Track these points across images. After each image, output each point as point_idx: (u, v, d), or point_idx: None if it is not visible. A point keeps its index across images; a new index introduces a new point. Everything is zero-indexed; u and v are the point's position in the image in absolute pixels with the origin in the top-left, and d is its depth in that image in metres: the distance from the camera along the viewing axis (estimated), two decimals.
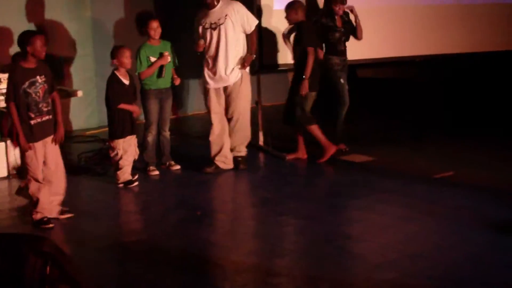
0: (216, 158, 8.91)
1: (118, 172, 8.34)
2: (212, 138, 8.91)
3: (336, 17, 9.48)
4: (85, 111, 11.73)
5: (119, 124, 8.29)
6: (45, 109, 7.02)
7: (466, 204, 7.31)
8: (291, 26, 9.35)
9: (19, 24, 10.07)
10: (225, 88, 8.86)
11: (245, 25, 8.78)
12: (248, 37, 8.85)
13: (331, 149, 9.15)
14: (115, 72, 8.28)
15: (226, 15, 8.70)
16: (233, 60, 8.78)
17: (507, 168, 8.63)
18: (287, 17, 9.06)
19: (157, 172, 8.79)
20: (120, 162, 8.32)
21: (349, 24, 9.60)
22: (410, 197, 7.68)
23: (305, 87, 8.92)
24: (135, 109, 8.38)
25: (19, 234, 5.46)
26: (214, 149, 8.91)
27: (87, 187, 8.51)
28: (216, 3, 8.74)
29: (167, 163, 9.01)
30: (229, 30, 8.71)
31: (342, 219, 7.19)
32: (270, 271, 5.83)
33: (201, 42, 8.72)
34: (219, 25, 8.71)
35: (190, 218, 7.25)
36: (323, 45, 9.49)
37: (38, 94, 6.93)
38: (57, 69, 11.24)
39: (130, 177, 8.37)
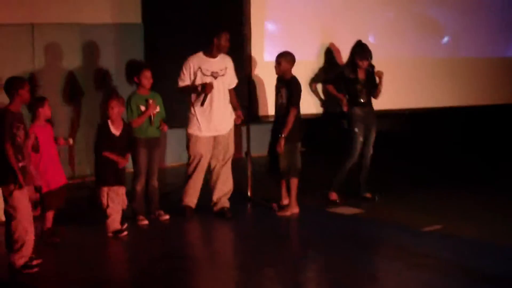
0: (194, 201, 9.16)
1: (107, 221, 8.34)
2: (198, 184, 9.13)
3: (358, 70, 9.66)
4: (76, 159, 11.75)
5: (102, 172, 8.37)
6: (25, 155, 7.23)
7: (453, 258, 7.34)
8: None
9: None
10: (216, 138, 9.01)
11: (233, 80, 9.11)
12: (231, 92, 9.11)
13: (295, 210, 9.24)
14: (108, 120, 8.34)
15: (226, 68, 8.96)
16: (228, 111, 9.05)
17: (496, 220, 8.67)
18: (280, 67, 9.14)
19: (146, 222, 8.81)
20: (108, 210, 8.34)
21: (372, 78, 9.76)
22: (397, 250, 7.72)
23: (280, 145, 9.02)
24: (119, 159, 8.41)
25: None
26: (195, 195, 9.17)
27: (76, 236, 8.48)
28: (217, 54, 8.92)
29: (157, 212, 9.01)
30: (226, 81, 8.99)
31: (327, 268, 7.22)
32: None
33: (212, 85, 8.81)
34: (220, 75, 8.91)
35: (178, 268, 7.26)
36: (346, 96, 9.75)
37: (20, 139, 7.13)
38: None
39: (119, 226, 8.37)
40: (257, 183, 10.06)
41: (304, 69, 9.90)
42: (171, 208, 9.16)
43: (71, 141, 8.49)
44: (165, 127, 8.91)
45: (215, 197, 9.18)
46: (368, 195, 9.86)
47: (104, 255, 7.91)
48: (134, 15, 12.25)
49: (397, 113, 10.54)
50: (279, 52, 9.24)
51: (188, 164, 9.14)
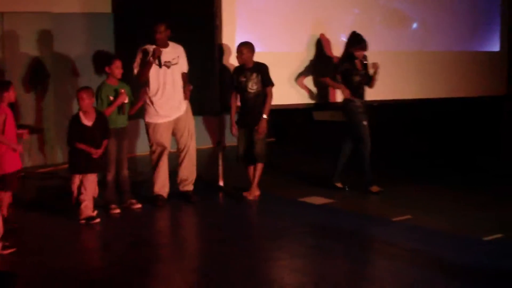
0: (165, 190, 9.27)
1: (80, 207, 8.36)
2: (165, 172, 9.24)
3: (355, 61, 9.75)
4: (47, 147, 11.73)
5: (75, 160, 8.39)
6: None
7: (421, 248, 7.42)
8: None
9: None
10: (175, 121, 9.23)
11: (184, 67, 9.30)
12: (183, 77, 9.27)
13: (257, 192, 9.48)
14: (79, 112, 8.35)
15: (178, 56, 9.20)
16: (181, 98, 9.26)
17: (465, 213, 8.78)
18: (243, 56, 9.22)
19: (118, 211, 8.83)
20: (81, 197, 8.37)
21: (366, 69, 9.85)
22: (366, 239, 7.82)
23: (264, 127, 9.24)
24: (91, 150, 8.41)
25: None
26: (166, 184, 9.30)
27: (49, 224, 8.48)
28: (167, 44, 9.18)
29: (128, 201, 9.03)
30: (180, 69, 9.24)
31: (300, 258, 7.24)
32: None
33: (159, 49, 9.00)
34: (173, 64, 9.15)
35: (149, 256, 7.32)
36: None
37: None
38: (19, 104, 11.33)
39: (91, 213, 8.40)
40: (228, 173, 10.10)
41: (283, 61, 10.03)
42: (143, 197, 9.22)
43: (26, 134, 8.44)
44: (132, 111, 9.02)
45: (179, 178, 9.43)
46: (339, 184, 9.93)
47: (75, 243, 7.88)
48: (104, 5, 12.26)
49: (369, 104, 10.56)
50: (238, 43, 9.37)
51: (151, 153, 9.30)
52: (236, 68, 9.46)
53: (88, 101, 8.38)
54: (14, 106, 8.33)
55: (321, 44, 10.43)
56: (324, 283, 6.47)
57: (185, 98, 9.27)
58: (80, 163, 8.37)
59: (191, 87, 9.29)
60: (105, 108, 8.72)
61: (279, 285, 6.49)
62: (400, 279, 6.56)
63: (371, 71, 9.87)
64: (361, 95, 9.83)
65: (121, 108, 8.81)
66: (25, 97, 11.48)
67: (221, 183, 10.01)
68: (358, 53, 9.73)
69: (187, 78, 9.34)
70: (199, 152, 9.66)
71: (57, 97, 11.66)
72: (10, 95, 7.96)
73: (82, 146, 8.33)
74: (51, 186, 10.10)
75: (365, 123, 9.74)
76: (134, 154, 11.73)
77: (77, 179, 8.38)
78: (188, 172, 9.40)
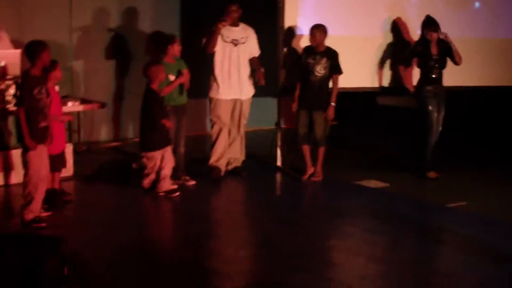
0: (221, 162, 9.47)
1: (161, 182, 8.60)
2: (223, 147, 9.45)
3: (431, 44, 9.67)
4: (110, 124, 11.97)
5: (159, 137, 8.57)
6: (47, 115, 7.52)
7: (474, 234, 7.42)
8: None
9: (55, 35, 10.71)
10: (234, 102, 9.42)
11: (254, 50, 9.48)
12: (255, 62, 9.48)
13: (320, 177, 9.52)
14: (151, 86, 8.49)
15: (247, 37, 9.41)
16: (248, 78, 9.48)
17: None
18: (315, 38, 9.25)
19: (175, 186, 8.95)
20: (162, 172, 8.61)
21: (446, 52, 9.69)
22: (419, 224, 7.84)
23: (331, 114, 9.31)
24: (171, 124, 8.66)
25: (40, 235, 5.70)
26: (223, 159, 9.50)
27: (107, 197, 8.71)
28: (238, 24, 9.38)
29: (182, 178, 9.18)
30: (247, 50, 9.44)
31: (350, 239, 7.32)
32: (280, 286, 6.01)
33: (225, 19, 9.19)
34: (241, 43, 9.35)
35: (205, 231, 7.50)
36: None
37: (44, 100, 7.43)
38: (83, 80, 11.55)
39: (173, 187, 8.69)
40: (286, 154, 10.18)
41: (345, 44, 10.00)
42: (199, 174, 9.37)
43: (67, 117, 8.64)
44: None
45: (227, 159, 9.62)
46: (432, 174, 9.78)
47: (131, 217, 8.05)
48: None
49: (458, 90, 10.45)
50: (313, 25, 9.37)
51: (211, 127, 9.53)
52: (306, 48, 9.48)
53: (163, 75, 8.59)
54: None
55: (395, 28, 10.37)
56: (372, 263, 6.56)
57: (259, 82, 9.39)
58: (164, 138, 8.60)
59: (263, 69, 9.42)
60: (165, 87, 8.85)
61: (330, 264, 6.62)
62: (450, 264, 6.61)
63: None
64: (433, 80, 9.70)
65: (182, 87, 8.95)
66: (93, 73, 11.71)
67: (278, 164, 10.07)
68: (430, 36, 9.66)
69: (259, 62, 9.48)
70: (256, 133, 9.75)
71: (125, 74, 11.84)
72: (56, 75, 8.14)
73: (165, 121, 8.53)
74: (116, 160, 10.35)
75: (430, 108, 9.69)
76: (196, 133, 11.83)
77: (160, 154, 8.58)
78: (237, 153, 9.63)
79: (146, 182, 8.65)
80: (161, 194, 8.61)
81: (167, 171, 8.63)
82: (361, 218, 8.00)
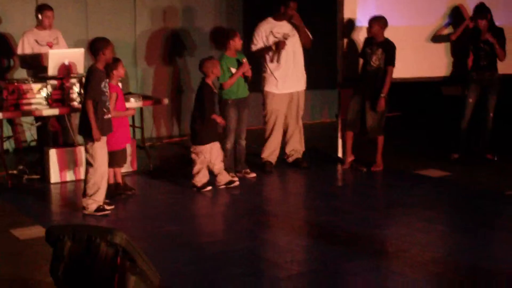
0: (273, 157, 9.62)
1: (219, 176, 8.77)
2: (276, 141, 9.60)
3: (482, 32, 9.70)
4: (173, 120, 12.18)
5: (209, 131, 8.67)
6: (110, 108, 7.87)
7: None
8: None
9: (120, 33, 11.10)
10: (290, 95, 9.53)
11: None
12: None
13: (380, 167, 9.59)
14: (206, 81, 8.63)
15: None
16: (302, 70, 9.61)
17: None
18: (372, 30, 9.33)
19: (236, 179, 9.09)
20: (216, 167, 8.74)
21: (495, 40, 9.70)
22: (478, 212, 7.83)
23: (382, 105, 9.27)
24: (222, 121, 8.79)
25: (94, 226, 5.87)
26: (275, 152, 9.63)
27: (168, 191, 8.87)
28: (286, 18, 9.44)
29: (243, 170, 9.31)
30: (299, 42, 9.49)
31: (405, 228, 7.34)
32: (334, 274, 6.10)
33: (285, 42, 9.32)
34: (291, 36, 9.40)
35: (262, 222, 7.62)
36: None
37: (107, 93, 7.77)
38: (146, 78, 11.78)
39: (230, 178, 8.86)
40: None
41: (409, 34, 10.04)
42: (257, 166, 9.50)
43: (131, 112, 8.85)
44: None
45: (288, 150, 9.80)
46: (489, 156, 9.94)
47: (192, 209, 8.28)
48: None
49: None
50: (370, 16, 9.43)
51: (266, 122, 9.61)
52: (366, 39, 9.58)
53: (218, 70, 8.72)
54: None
55: (457, 15, 10.32)
56: (427, 251, 6.58)
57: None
58: (214, 132, 8.72)
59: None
60: (227, 80, 8.99)
61: (384, 252, 6.68)
62: (508, 250, 6.60)
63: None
64: (481, 67, 9.74)
65: (246, 78, 9.09)
66: (155, 70, 11.94)
67: (340, 155, 10.12)
68: (479, 24, 9.65)
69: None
70: (315, 126, 9.81)
71: (186, 71, 12.02)
72: (119, 72, 8.36)
73: (216, 117, 8.66)
74: (175, 155, 10.55)
75: (466, 93, 9.80)
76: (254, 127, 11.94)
77: (208, 149, 8.67)
78: (296, 145, 9.74)
79: (198, 179, 8.69)
80: (221, 187, 8.75)
81: (219, 165, 8.75)
82: (419, 208, 7.99)
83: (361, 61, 9.63)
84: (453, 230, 7.33)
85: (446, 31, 10.11)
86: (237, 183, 8.84)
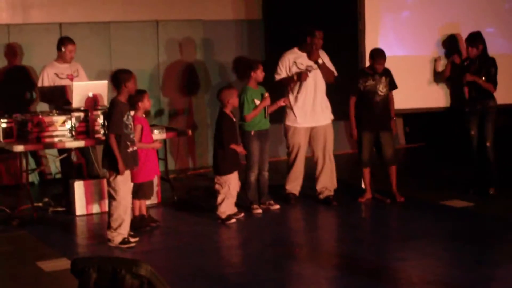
0: (296, 188, 9.54)
1: (223, 205, 8.67)
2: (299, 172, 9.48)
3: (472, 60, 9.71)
4: (197, 151, 12.22)
5: (231, 161, 8.69)
6: (134, 141, 7.88)
7: None
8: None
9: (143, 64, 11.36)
10: (313, 129, 9.42)
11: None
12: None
13: (401, 198, 9.52)
14: (224, 110, 8.66)
15: (321, 62, 9.35)
16: (326, 103, 9.50)
17: None
18: (383, 63, 9.35)
19: (260, 211, 9.10)
20: (228, 195, 8.68)
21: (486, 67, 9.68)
22: (503, 243, 7.79)
23: (395, 128, 9.53)
24: (242, 150, 8.81)
25: (119, 258, 5.86)
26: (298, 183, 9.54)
27: (193, 222, 8.88)
28: None
29: (267, 202, 9.29)
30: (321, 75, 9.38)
31: (430, 259, 7.29)
32: None
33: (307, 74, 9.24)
34: (315, 69, 9.32)
35: (287, 254, 7.62)
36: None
37: (131, 126, 7.79)
38: (169, 108, 11.84)
39: (235, 210, 8.80)
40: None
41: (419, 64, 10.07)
42: (280, 198, 9.47)
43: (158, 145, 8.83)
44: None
45: (318, 187, 9.54)
46: (491, 189, 9.71)
47: (217, 241, 8.29)
48: (255, 12, 12.61)
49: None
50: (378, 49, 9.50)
51: (288, 154, 9.54)
52: (361, 73, 9.56)
53: (237, 100, 8.76)
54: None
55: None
56: (450, 284, 6.55)
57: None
58: (234, 163, 8.71)
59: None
60: (250, 113, 9.02)
61: (408, 284, 6.62)
62: None
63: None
64: (473, 99, 9.70)
65: (265, 111, 9.10)
66: (178, 101, 12.02)
67: (363, 186, 10.08)
68: (469, 52, 9.65)
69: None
70: (342, 157, 9.78)
71: (208, 102, 12.08)
72: (145, 104, 8.40)
73: (235, 147, 8.68)
74: (199, 187, 10.58)
75: (466, 126, 9.75)
76: (276, 158, 11.96)
77: (231, 179, 8.68)
78: (327, 182, 9.51)
79: (222, 210, 8.66)
80: (222, 216, 8.68)
81: (231, 194, 8.73)
82: (442, 238, 7.97)
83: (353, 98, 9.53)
84: (479, 262, 7.21)
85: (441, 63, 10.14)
86: (236, 219, 8.74)
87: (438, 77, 10.31)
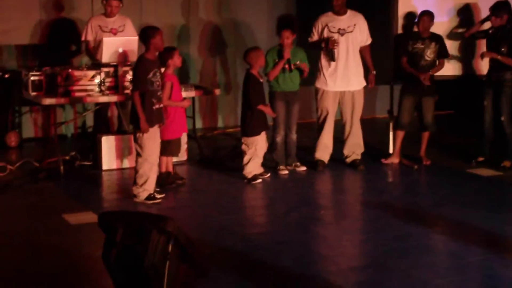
0: (325, 156, 9.43)
1: (249, 165, 8.69)
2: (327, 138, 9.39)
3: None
4: (224, 110, 12.20)
5: (258, 122, 8.68)
6: (160, 97, 7.90)
7: None
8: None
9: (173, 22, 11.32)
10: (342, 93, 9.28)
11: (365, 39, 9.38)
12: (364, 51, 9.39)
13: (427, 161, 9.60)
14: (251, 71, 8.63)
15: (355, 24, 9.23)
16: (358, 68, 9.33)
17: None
18: (424, 24, 9.30)
19: (286, 172, 9.11)
20: (254, 155, 8.69)
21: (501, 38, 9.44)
22: None
23: (427, 78, 9.32)
24: (270, 111, 8.78)
25: (146, 213, 5.91)
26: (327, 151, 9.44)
27: (219, 181, 8.92)
28: (345, 11, 9.23)
29: (293, 164, 9.29)
30: (356, 39, 9.26)
31: (453, 227, 7.30)
32: (383, 270, 6.08)
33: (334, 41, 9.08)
34: (348, 32, 9.18)
35: (312, 215, 7.62)
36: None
37: (158, 83, 7.78)
38: (197, 67, 11.82)
39: (262, 170, 8.81)
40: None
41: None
42: (308, 161, 9.43)
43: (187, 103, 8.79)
44: (305, 68, 9.06)
45: (346, 151, 9.50)
46: (505, 163, 9.50)
47: (242, 200, 8.34)
48: None
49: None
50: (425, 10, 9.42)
51: (317, 118, 9.47)
52: (412, 35, 9.50)
53: (262, 60, 8.73)
54: None
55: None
56: (473, 247, 6.57)
57: (370, 85, 9.45)
58: (262, 123, 8.73)
59: (374, 72, 9.42)
60: (269, 71, 8.98)
61: (432, 249, 6.64)
62: None
63: None
64: (491, 68, 9.49)
65: (301, 71, 9.02)
66: (206, 62, 11.99)
67: (391, 151, 10.03)
68: (492, 21, 9.41)
69: (369, 52, 9.42)
70: (366, 121, 9.70)
71: (237, 62, 12.03)
72: (175, 62, 8.37)
73: (263, 107, 8.68)
74: (226, 146, 10.63)
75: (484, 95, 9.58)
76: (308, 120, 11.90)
77: (257, 140, 8.70)
78: (354, 147, 9.45)
79: (248, 170, 8.69)
80: (249, 176, 8.71)
81: (258, 154, 8.74)
82: (468, 206, 7.90)
83: (404, 58, 9.47)
84: (497, 229, 7.14)
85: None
86: (262, 179, 8.76)
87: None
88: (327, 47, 9.12)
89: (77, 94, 8.94)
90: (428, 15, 9.31)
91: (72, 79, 8.89)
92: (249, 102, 8.64)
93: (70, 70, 8.98)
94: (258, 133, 8.67)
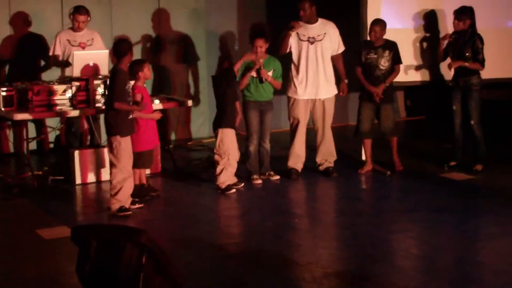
0: (298, 164, 9.42)
1: (222, 175, 8.68)
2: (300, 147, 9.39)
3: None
4: (197, 121, 12.19)
5: (232, 116, 8.71)
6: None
7: None
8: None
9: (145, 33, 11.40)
10: (313, 102, 9.31)
11: (337, 47, 9.39)
12: (337, 60, 9.42)
13: (400, 167, 9.62)
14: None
15: (325, 33, 9.25)
16: (328, 76, 9.33)
17: None
18: (376, 34, 9.30)
19: (260, 181, 9.11)
20: (227, 165, 8.68)
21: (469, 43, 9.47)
22: (502, 216, 7.78)
23: (380, 91, 9.35)
24: (239, 111, 8.95)
25: (119, 226, 5.88)
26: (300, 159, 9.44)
27: (193, 192, 8.91)
28: (316, 20, 9.26)
29: (267, 173, 9.29)
30: (326, 47, 9.27)
31: (429, 231, 7.34)
32: (358, 276, 6.10)
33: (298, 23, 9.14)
34: (318, 40, 9.20)
35: (287, 224, 7.63)
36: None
37: (131, 94, 7.92)
38: (169, 79, 11.80)
39: (235, 180, 8.82)
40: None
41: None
42: (282, 170, 9.42)
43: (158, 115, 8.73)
44: (275, 86, 9.14)
45: (318, 159, 9.52)
46: (477, 167, 9.57)
47: (215, 211, 8.34)
48: None
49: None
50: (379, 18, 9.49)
51: (291, 127, 9.47)
52: (365, 45, 9.52)
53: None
54: None
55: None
56: (444, 254, 6.62)
57: (342, 93, 9.50)
58: (234, 120, 8.78)
59: (346, 80, 9.46)
60: (239, 80, 9.01)
61: (408, 255, 6.67)
62: None
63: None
64: (457, 73, 9.52)
65: (261, 79, 9.01)
66: (178, 73, 11.98)
67: (364, 158, 10.06)
68: (454, 25, 9.47)
69: (342, 60, 9.44)
70: (338, 128, 9.73)
71: (209, 72, 12.03)
72: (145, 74, 8.37)
73: (238, 105, 8.85)
74: (199, 157, 10.58)
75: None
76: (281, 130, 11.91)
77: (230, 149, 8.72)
78: (326, 155, 9.46)
79: (222, 180, 8.67)
80: (223, 187, 8.72)
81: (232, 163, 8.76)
82: (441, 210, 7.94)
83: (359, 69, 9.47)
84: (476, 234, 7.25)
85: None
86: (236, 189, 8.76)
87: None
88: (288, 29, 9.16)
89: (49, 109, 8.90)
90: (379, 25, 9.29)
91: (43, 94, 8.85)
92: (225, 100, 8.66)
93: (41, 84, 8.94)
94: (231, 126, 8.69)
